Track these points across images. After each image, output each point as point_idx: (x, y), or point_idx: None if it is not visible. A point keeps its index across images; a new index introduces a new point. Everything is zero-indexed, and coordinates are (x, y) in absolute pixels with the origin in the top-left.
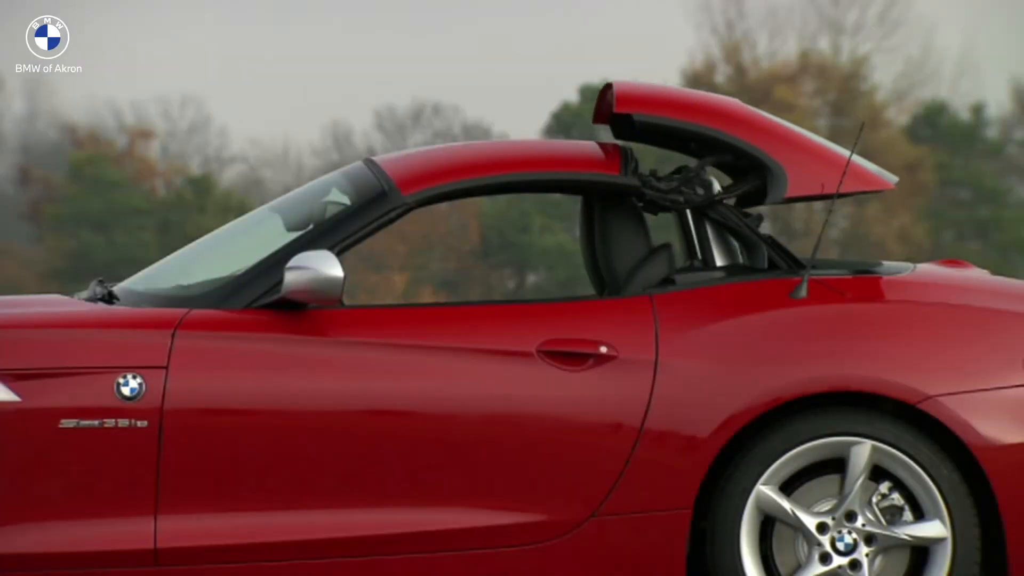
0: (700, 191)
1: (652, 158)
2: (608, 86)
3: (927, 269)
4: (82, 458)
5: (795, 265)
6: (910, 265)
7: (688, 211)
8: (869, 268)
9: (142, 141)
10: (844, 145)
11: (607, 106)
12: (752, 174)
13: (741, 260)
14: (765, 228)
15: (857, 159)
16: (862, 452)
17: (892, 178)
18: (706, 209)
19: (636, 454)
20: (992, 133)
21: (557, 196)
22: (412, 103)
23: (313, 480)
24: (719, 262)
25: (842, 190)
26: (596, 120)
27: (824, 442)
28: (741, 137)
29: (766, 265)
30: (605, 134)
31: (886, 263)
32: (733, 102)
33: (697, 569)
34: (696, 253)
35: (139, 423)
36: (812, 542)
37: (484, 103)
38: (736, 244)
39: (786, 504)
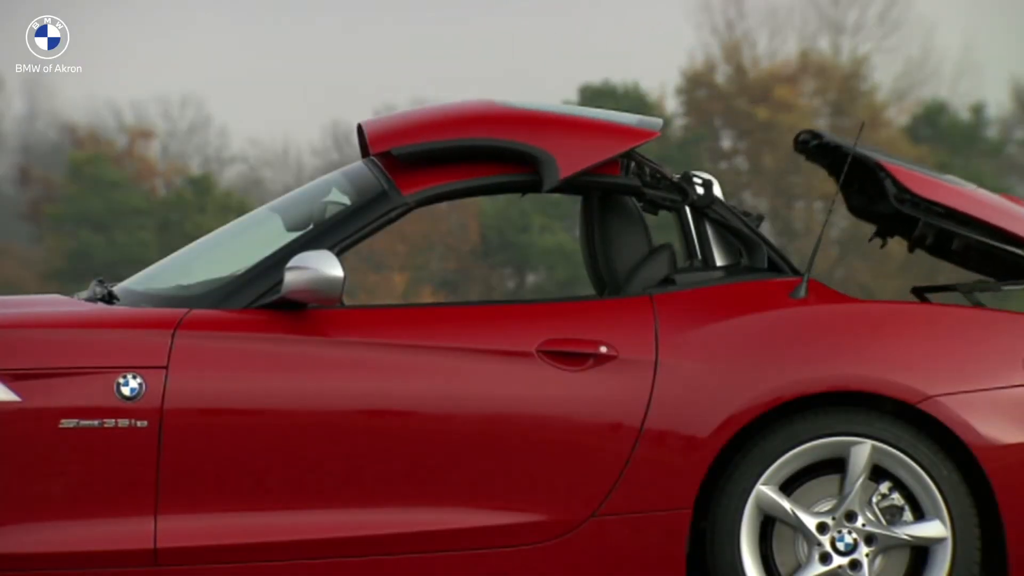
0: (700, 191)
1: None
2: (359, 127)
3: None
4: (82, 458)
5: (792, 270)
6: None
7: (688, 211)
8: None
9: (142, 141)
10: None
11: (365, 148)
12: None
13: (743, 260)
14: (764, 228)
15: (617, 117)
16: (862, 452)
17: (656, 123)
18: (705, 209)
19: (636, 454)
20: (992, 133)
21: (557, 196)
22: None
23: (313, 480)
24: (719, 262)
25: (610, 155)
26: (364, 156)
27: (824, 442)
28: (498, 137)
29: (766, 265)
30: None
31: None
32: (484, 103)
33: (697, 569)
34: (696, 253)
35: (139, 423)
36: (812, 542)
37: None
38: (736, 244)
39: (786, 504)
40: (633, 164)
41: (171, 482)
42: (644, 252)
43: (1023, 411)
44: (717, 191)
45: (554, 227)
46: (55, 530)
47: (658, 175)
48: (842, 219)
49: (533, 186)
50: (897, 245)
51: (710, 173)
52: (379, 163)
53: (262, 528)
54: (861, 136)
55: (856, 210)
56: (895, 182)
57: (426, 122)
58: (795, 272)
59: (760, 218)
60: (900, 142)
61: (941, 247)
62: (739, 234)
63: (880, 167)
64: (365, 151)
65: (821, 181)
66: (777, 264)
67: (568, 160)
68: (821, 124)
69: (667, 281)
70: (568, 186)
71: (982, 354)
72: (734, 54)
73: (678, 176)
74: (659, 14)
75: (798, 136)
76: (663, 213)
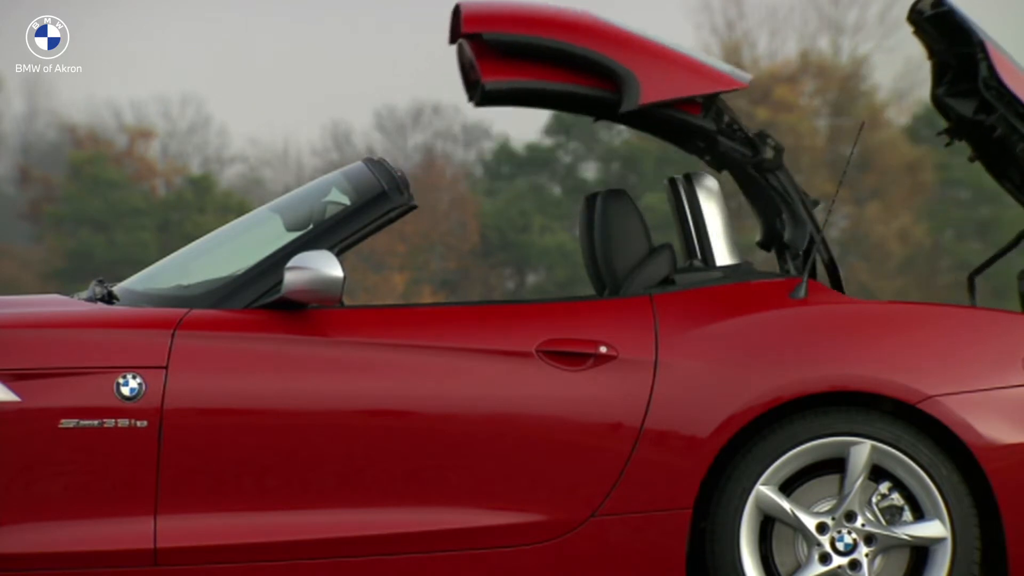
0: (771, 153)
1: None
2: (456, 6)
3: None
4: (82, 458)
5: (828, 254)
6: None
7: (742, 175)
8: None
9: (142, 141)
10: (845, 145)
11: (457, 27)
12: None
13: (785, 232)
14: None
15: (708, 60)
16: (862, 452)
17: (745, 76)
18: (771, 172)
19: (636, 454)
20: None
21: (557, 195)
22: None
23: (313, 480)
24: (719, 262)
25: (695, 93)
26: (451, 43)
27: (824, 442)
28: (591, 47)
29: (805, 246)
30: (605, 134)
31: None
32: (585, 14)
33: (697, 569)
34: (696, 253)
35: (139, 423)
36: (812, 542)
37: None
38: (782, 217)
39: (786, 504)
40: (714, 109)
41: (171, 482)
42: (644, 252)
43: (1023, 411)
44: (713, 187)
45: (554, 227)
46: (55, 530)
47: (735, 126)
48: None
49: (610, 107)
50: (897, 245)
51: (710, 173)
52: (467, 45)
53: (262, 528)
54: (861, 136)
55: (936, 100)
56: (990, 67)
57: (525, 15)
58: (830, 258)
59: (815, 202)
60: (900, 142)
61: (999, 162)
62: (791, 207)
63: (982, 47)
64: (456, 35)
65: (822, 181)
66: (813, 249)
67: (653, 87)
68: (821, 124)
69: (667, 281)
70: (643, 116)
71: (982, 354)
72: (734, 54)
73: (755, 132)
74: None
75: (915, 4)
76: (663, 213)
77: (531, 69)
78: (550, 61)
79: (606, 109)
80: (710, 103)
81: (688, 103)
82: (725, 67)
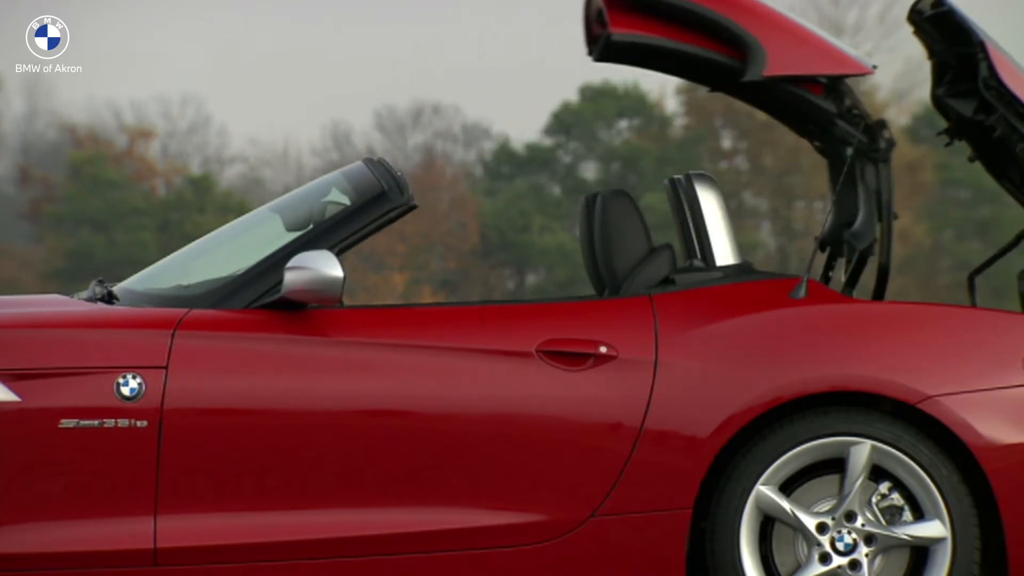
0: (884, 144)
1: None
2: None
3: None
4: (82, 458)
5: (885, 257)
6: None
7: (841, 162)
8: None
9: (142, 141)
10: None
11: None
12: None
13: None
14: (765, 228)
15: (836, 42)
16: (862, 452)
17: (871, 63)
18: (875, 164)
19: (636, 454)
20: None
21: (557, 195)
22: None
23: (313, 480)
24: (720, 262)
25: (821, 72)
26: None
27: (824, 442)
28: (723, 12)
29: (863, 248)
30: (605, 134)
31: None
32: None
33: (697, 569)
34: (696, 253)
35: (139, 423)
36: (812, 542)
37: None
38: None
39: (786, 504)
40: (836, 91)
41: (171, 482)
42: (644, 252)
43: (1023, 411)
44: (713, 187)
45: (554, 227)
46: (55, 530)
47: (855, 111)
48: None
49: (731, 75)
50: (898, 245)
51: (710, 173)
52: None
53: (262, 528)
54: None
55: (936, 100)
56: (990, 66)
57: None
58: (887, 265)
59: (897, 216)
60: (900, 142)
61: (1000, 162)
62: (870, 209)
63: (982, 47)
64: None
65: (822, 181)
66: (871, 250)
67: (779, 60)
68: None
69: (667, 281)
70: (762, 89)
71: (982, 354)
72: None
73: (874, 120)
74: None
75: (915, 4)
76: (663, 212)
77: (659, 26)
78: (679, 21)
79: (726, 77)
80: (833, 84)
81: (811, 81)
82: (852, 52)
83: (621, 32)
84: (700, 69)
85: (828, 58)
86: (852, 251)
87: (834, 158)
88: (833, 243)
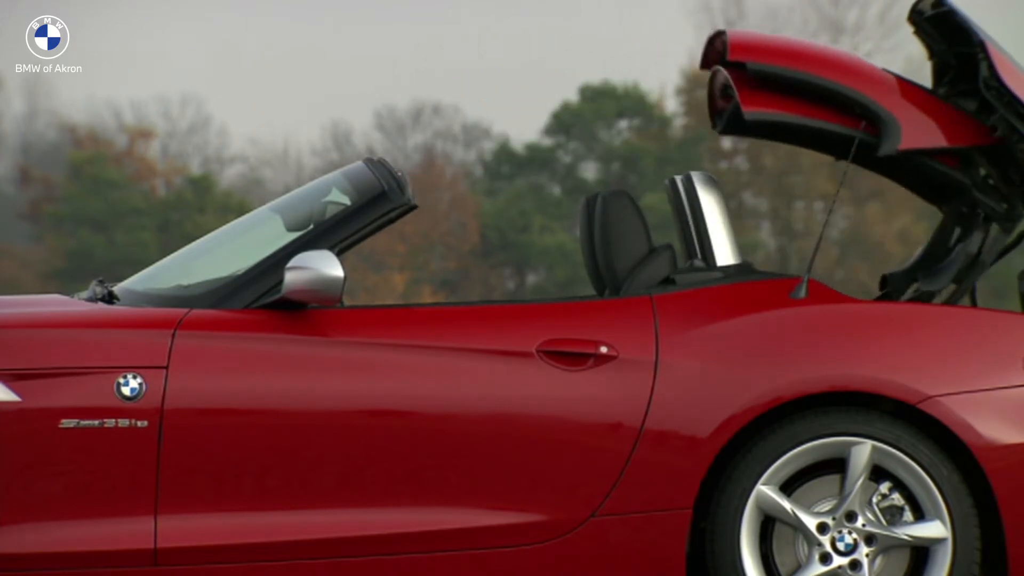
0: (1019, 215)
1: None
2: (719, 33)
3: None
4: (82, 458)
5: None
6: None
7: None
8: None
9: (142, 141)
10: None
11: (716, 53)
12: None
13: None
14: (765, 228)
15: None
16: (862, 452)
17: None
18: (1011, 226)
19: (636, 454)
20: None
21: (557, 195)
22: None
23: (313, 480)
24: (720, 262)
25: (956, 143)
26: (703, 67)
27: (824, 442)
28: (856, 87)
29: (933, 290)
30: (605, 134)
31: None
32: (849, 53)
33: (697, 569)
34: (696, 253)
35: (139, 423)
36: (812, 542)
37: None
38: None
39: (786, 504)
40: (971, 162)
41: (171, 482)
42: (644, 252)
43: (1023, 411)
44: (713, 187)
45: (554, 227)
46: (55, 530)
47: (990, 180)
48: (842, 219)
49: (866, 148)
50: (898, 245)
51: (710, 173)
52: (726, 72)
53: (262, 528)
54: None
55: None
56: (991, 66)
57: (792, 49)
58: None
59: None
60: None
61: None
62: (971, 265)
63: (982, 47)
64: (711, 60)
65: (822, 181)
66: (929, 297)
67: (914, 133)
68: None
69: (667, 281)
70: (897, 163)
71: (982, 354)
72: None
73: (1008, 190)
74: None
75: (916, 5)
76: (663, 212)
77: (790, 103)
78: (810, 96)
79: (863, 149)
80: (968, 155)
81: (946, 154)
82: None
83: (753, 111)
84: (832, 143)
85: (962, 129)
86: (915, 290)
87: (956, 215)
88: (895, 282)
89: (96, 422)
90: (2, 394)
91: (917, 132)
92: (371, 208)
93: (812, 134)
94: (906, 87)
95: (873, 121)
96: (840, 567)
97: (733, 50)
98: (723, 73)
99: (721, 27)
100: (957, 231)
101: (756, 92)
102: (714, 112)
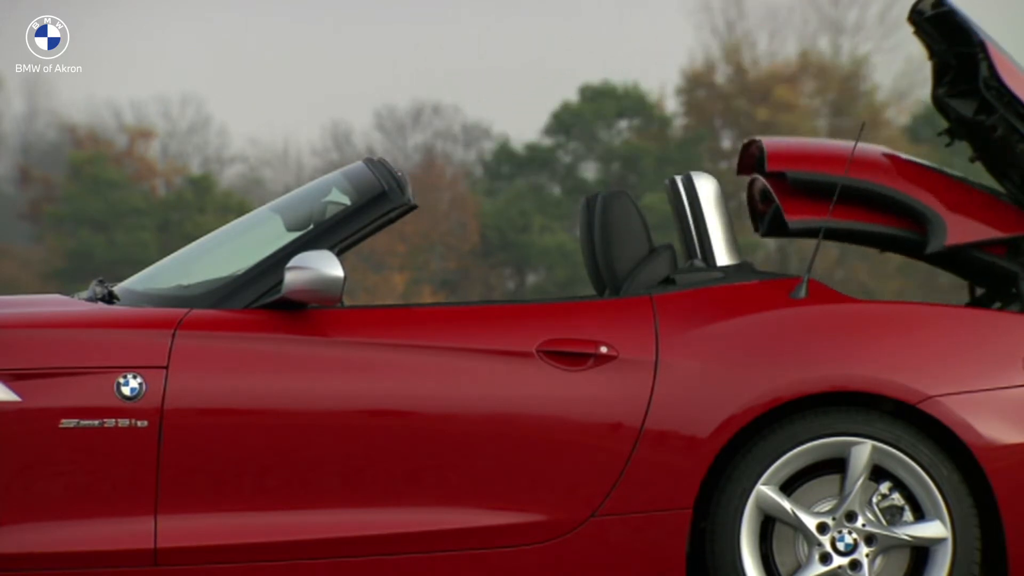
0: None
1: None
2: (753, 140)
3: None
4: (82, 458)
5: None
6: None
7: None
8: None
9: (142, 141)
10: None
11: (751, 159)
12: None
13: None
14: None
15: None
16: (862, 452)
17: None
18: None
19: (636, 454)
20: None
21: (557, 195)
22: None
23: (313, 480)
24: (720, 262)
25: (1003, 234)
26: (739, 173)
27: (824, 442)
28: (896, 187)
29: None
30: (605, 134)
31: None
32: (884, 151)
33: (697, 569)
34: (696, 253)
35: (139, 423)
36: (812, 542)
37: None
38: None
39: (786, 504)
40: (1019, 249)
41: (171, 482)
42: (644, 252)
43: (1023, 411)
44: (713, 187)
45: (554, 227)
46: (55, 530)
47: None
48: None
49: (914, 246)
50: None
51: (710, 173)
52: (767, 181)
53: (262, 528)
54: (861, 136)
55: (937, 100)
56: (991, 66)
57: (828, 154)
58: None
59: None
60: (900, 142)
61: (1000, 162)
62: None
63: (983, 47)
64: (748, 167)
65: None
66: None
67: (960, 229)
68: (821, 124)
69: (667, 281)
70: (946, 257)
71: (982, 354)
72: (734, 54)
73: None
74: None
75: (916, 5)
76: (663, 213)
77: (834, 208)
78: (852, 199)
79: (911, 247)
80: (1015, 243)
81: (993, 244)
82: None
83: (796, 219)
84: (878, 242)
85: (1007, 218)
86: None
87: (1007, 297)
88: None
89: (96, 422)
90: (2, 394)
91: (962, 227)
92: (371, 208)
93: (858, 235)
94: (947, 182)
95: (918, 220)
96: (840, 567)
97: (772, 160)
98: (761, 180)
99: (720, 28)
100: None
101: (797, 199)
102: (755, 215)
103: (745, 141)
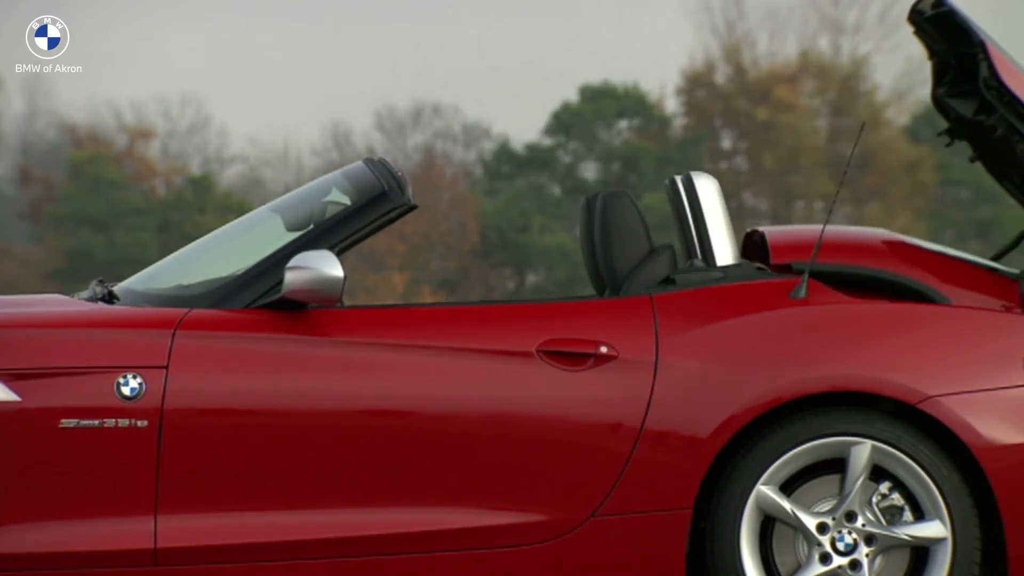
0: None
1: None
2: (754, 231)
3: None
4: (82, 458)
5: None
6: None
7: None
8: None
9: (142, 141)
10: (845, 145)
11: (754, 247)
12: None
13: None
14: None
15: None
16: (862, 452)
17: None
18: None
19: (636, 454)
20: None
21: (557, 195)
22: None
23: (313, 480)
24: (720, 262)
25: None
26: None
27: (824, 442)
28: (903, 272)
29: None
30: (605, 134)
31: None
32: (888, 235)
33: (697, 569)
34: (696, 253)
35: (139, 423)
36: (812, 542)
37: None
38: None
39: (786, 504)
40: None
41: (171, 482)
42: (644, 252)
43: (1023, 411)
44: (713, 187)
45: (554, 227)
46: (55, 530)
47: None
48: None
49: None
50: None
51: (710, 173)
52: (766, 270)
53: (262, 528)
54: (862, 136)
55: (937, 100)
56: (991, 66)
57: (831, 244)
58: None
59: None
60: (900, 142)
61: (1000, 162)
62: None
63: (982, 47)
64: (751, 254)
65: (822, 181)
66: None
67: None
68: (821, 124)
69: (667, 281)
70: None
71: (982, 354)
72: (734, 54)
73: None
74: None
75: (916, 5)
76: (663, 212)
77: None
78: (861, 286)
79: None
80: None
81: None
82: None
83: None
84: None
85: (1007, 296)
86: None
87: None
88: None
89: (96, 422)
90: (2, 394)
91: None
92: (371, 208)
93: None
94: (951, 263)
95: (929, 302)
96: (840, 567)
97: (775, 253)
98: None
99: (720, 28)
100: None
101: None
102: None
103: (748, 230)
